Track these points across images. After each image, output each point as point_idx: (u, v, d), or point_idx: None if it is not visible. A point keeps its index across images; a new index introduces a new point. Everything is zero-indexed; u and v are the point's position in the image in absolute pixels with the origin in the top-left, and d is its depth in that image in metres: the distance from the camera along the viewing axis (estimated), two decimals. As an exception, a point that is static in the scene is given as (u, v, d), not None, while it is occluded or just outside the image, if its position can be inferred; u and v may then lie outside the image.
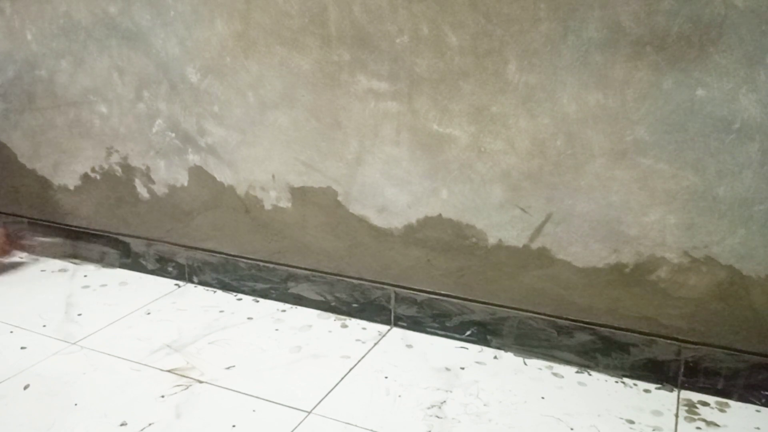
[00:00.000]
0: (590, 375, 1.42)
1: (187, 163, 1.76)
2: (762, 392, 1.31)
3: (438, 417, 1.27)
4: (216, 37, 1.60)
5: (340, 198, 1.59)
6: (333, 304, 1.69)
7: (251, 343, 1.55)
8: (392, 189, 1.52)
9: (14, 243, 2.07)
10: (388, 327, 1.63)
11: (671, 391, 1.36)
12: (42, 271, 1.97)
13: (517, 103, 1.35)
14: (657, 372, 1.38)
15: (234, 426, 1.24)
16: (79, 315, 1.68)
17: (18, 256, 2.06)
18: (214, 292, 1.82)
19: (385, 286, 1.61)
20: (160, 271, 1.91)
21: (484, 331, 1.53)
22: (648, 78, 1.23)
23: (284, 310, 1.72)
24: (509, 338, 1.50)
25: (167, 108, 1.73)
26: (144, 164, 1.83)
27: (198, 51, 1.63)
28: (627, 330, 1.39)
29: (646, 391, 1.36)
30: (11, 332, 1.59)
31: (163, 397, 1.33)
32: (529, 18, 1.29)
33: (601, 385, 1.38)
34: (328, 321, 1.66)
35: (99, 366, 1.45)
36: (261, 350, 1.52)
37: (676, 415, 1.28)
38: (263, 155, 1.65)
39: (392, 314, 1.62)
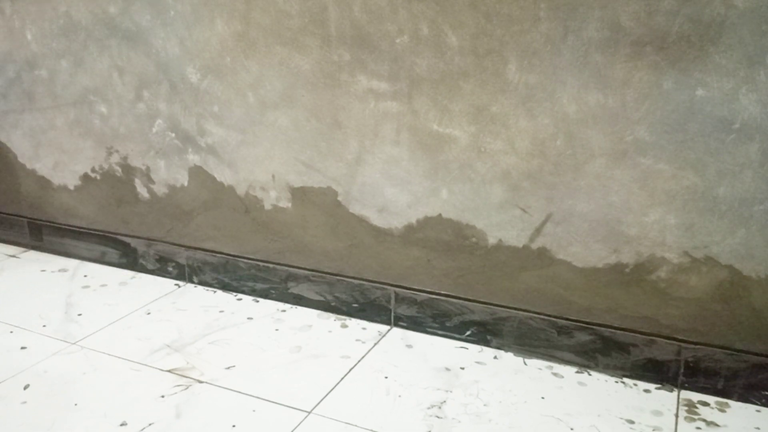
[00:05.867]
0: (590, 375, 1.42)
1: (187, 163, 1.76)
2: (762, 392, 1.31)
3: (438, 417, 1.27)
4: (216, 37, 1.60)
5: (340, 198, 1.59)
6: (333, 304, 1.69)
7: (251, 343, 1.55)
8: (392, 189, 1.52)
9: None
10: (388, 327, 1.63)
11: (671, 391, 1.36)
12: (42, 271, 1.97)
13: (517, 103, 1.35)
14: (657, 372, 1.38)
15: (234, 426, 1.24)
16: (79, 315, 1.68)
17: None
18: (214, 292, 1.82)
19: (385, 286, 1.61)
20: (160, 271, 1.91)
21: (484, 331, 1.53)
22: (648, 78, 1.23)
23: (284, 310, 1.71)
24: (509, 338, 1.50)
25: (167, 108, 1.73)
26: (144, 164, 1.83)
27: (198, 51, 1.63)
28: (627, 330, 1.39)
29: (646, 391, 1.36)
30: (11, 332, 1.59)
31: (163, 397, 1.33)
32: (529, 18, 1.29)
33: (601, 385, 1.38)
34: (328, 321, 1.66)
35: (99, 366, 1.45)
36: (261, 350, 1.52)
37: (676, 415, 1.28)
38: (263, 155, 1.65)
39: (392, 314, 1.62)
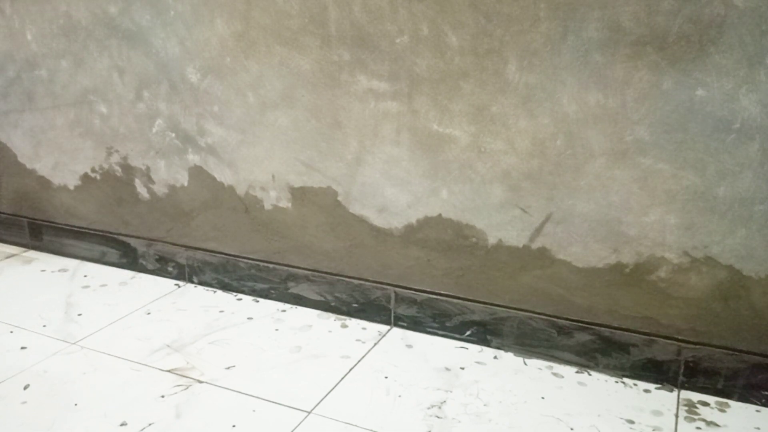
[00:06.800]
0: (590, 375, 1.42)
1: (187, 163, 1.76)
2: (762, 392, 1.31)
3: (438, 417, 1.27)
4: (216, 37, 1.60)
5: (340, 198, 1.59)
6: (333, 304, 1.69)
7: (251, 343, 1.55)
8: (392, 189, 1.52)
9: None
10: (388, 327, 1.63)
11: (671, 391, 1.36)
12: (42, 271, 1.97)
13: (517, 103, 1.35)
14: (657, 372, 1.38)
15: (234, 426, 1.24)
16: (79, 315, 1.68)
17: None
18: (214, 292, 1.82)
19: (385, 286, 1.61)
20: (160, 271, 1.91)
21: (484, 331, 1.53)
22: (648, 78, 1.23)
23: (284, 310, 1.71)
24: (509, 338, 1.50)
25: (167, 108, 1.73)
26: (144, 164, 1.83)
27: (198, 51, 1.63)
28: (627, 330, 1.39)
29: (646, 391, 1.36)
30: (11, 332, 1.59)
31: (163, 397, 1.33)
32: (529, 18, 1.29)
33: (601, 385, 1.38)
34: (328, 321, 1.66)
35: (99, 366, 1.45)
36: (261, 350, 1.52)
37: (676, 415, 1.28)
38: (263, 155, 1.65)
39: (392, 314, 1.62)
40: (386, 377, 1.41)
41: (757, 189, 1.22)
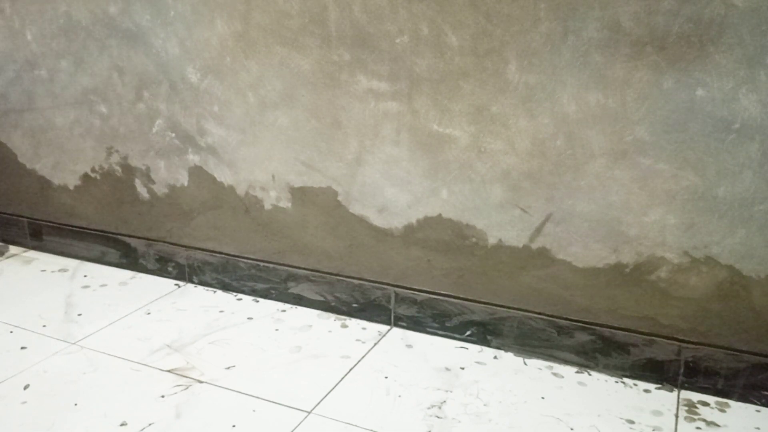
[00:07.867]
0: (590, 375, 1.42)
1: (187, 163, 1.76)
2: (762, 392, 1.31)
3: (438, 417, 1.27)
4: (216, 37, 1.60)
5: (340, 198, 1.59)
6: (333, 304, 1.69)
7: (251, 343, 1.55)
8: (392, 189, 1.52)
9: None
10: (388, 327, 1.63)
11: (671, 391, 1.36)
12: (42, 271, 1.97)
13: (517, 103, 1.35)
14: (657, 372, 1.38)
15: (234, 426, 1.24)
16: (79, 315, 1.68)
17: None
18: (214, 292, 1.82)
19: (385, 286, 1.61)
20: (160, 271, 1.91)
21: (484, 331, 1.53)
22: (648, 78, 1.23)
23: (284, 310, 1.72)
24: (509, 338, 1.50)
25: (167, 108, 1.73)
26: (144, 164, 1.83)
27: (198, 51, 1.63)
28: (627, 330, 1.39)
29: (646, 391, 1.36)
30: (11, 332, 1.59)
31: (163, 397, 1.33)
32: (529, 18, 1.29)
33: (601, 385, 1.38)
34: (328, 321, 1.66)
35: (99, 366, 1.45)
36: (261, 350, 1.52)
37: (676, 415, 1.28)
38: (263, 155, 1.65)
39: (392, 314, 1.62)
40: (386, 377, 1.41)
41: (757, 189, 1.22)
